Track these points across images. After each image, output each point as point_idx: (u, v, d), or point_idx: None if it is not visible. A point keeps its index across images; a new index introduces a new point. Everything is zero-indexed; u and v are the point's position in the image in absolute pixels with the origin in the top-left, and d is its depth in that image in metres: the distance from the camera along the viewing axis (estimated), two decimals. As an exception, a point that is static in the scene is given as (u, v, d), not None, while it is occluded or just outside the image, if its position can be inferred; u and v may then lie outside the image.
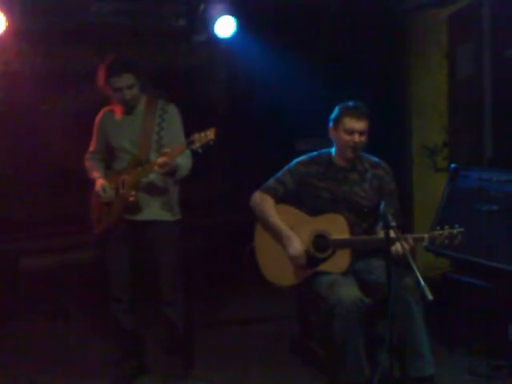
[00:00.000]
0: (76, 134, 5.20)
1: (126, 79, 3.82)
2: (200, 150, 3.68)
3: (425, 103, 5.91)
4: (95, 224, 4.03)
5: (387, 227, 3.26)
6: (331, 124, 3.82)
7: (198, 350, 4.42)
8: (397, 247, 3.39)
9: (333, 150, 3.88)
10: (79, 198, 4.14)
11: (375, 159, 3.90)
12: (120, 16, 5.33)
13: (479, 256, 4.19)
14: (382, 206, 3.30)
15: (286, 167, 3.94)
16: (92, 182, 4.01)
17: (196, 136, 3.69)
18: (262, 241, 3.90)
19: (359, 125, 3.70)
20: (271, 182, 3.93)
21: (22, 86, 5.12)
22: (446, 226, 3.49)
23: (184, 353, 4.17)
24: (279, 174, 3.93)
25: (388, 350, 3.26)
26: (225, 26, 5.30)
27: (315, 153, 3.94)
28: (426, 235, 3.51)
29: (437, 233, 3.49)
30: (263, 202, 3.88)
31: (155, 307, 4.06)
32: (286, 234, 3.76)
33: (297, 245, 3.72)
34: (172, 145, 3.85)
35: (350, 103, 3.78)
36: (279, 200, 3.88)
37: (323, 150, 3.93)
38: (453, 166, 4.64)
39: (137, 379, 4.10)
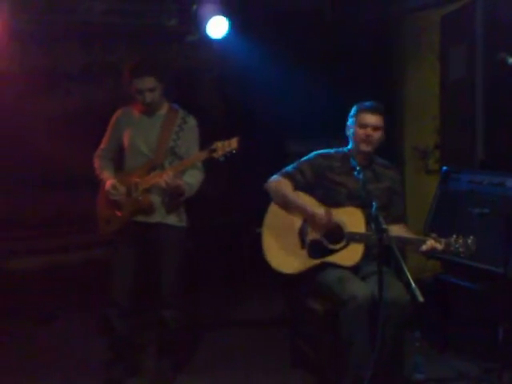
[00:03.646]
0: (64, 133, 5.19)
1: (147, 82, 3.82)
2: (222, 159, 3.69)
3: (417, 105, 5.93)
4: (103, 225, 4.00)
5: (379, 230, 3.25)
6: (349, 121, 3.89)
7: (185, 352, 4.39)
8: (429, 244, 3.51)
9: (349, 147, 3.92)
10: (67, 198, 4.11)
11: (385, 161, 3.98)
12: (111, 15, 5.30)
13: (470, 258, 4.18)
14: (373, 209, 3.29)
15: (305, 158, 3.94)
16: (98, 182, 4.01)
17: (218, 144, 3.70)
18: (273, 225, 3.87)
19: (372, 119, 3.78)
20: (290, 168, 3.92)
21: (10, 84, 5.08)
22: (461, 235, 3.54)
23: (175, 356, 4.15)
24: (298, 163, 3.93)
25: (379, 351, 3.24)
26: (217, 27, 5.29)
27: (332, 149, 3.97)
28: (443, 240, 3.55)
29: (452, 239, 3.55)
30: (282, 184, 3.87)
31: (151, 310, 4.05)
32: (310, 208, 3.75)
33: (324, 212, 3.70)
34: (185, 156, 3.90)
35: (367, 102, 3.87)
36: (296, 188, 3.87)
37: (339, 148, 3.96)
38: (444, 168, 4.64)
39: (126, 382, 4.07)
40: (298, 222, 3.83)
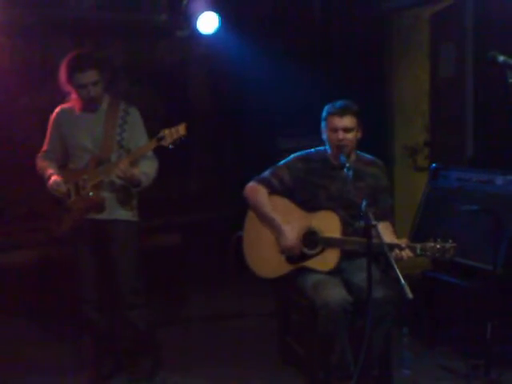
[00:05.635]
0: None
1: (90, 75, 3.70)
2: (171, 147, 3.64)
3: (407, 102, 5.96)
4: (54, 226, 3.89)
5: (368, 226, 3.26)
6: (322, 124, 3.82)
7: (172, 347, 4.38)
8: (399, 254, 3.41)
9: (328, 148, 3.87)
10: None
11: (370, 157, 3.89)
12: (101, 10, 5.28)
13: (459, 255, 4.18)
14: (363, 205, 3.29)
15: (284, 162, 3.90)
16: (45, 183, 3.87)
17: (166, 132, 3.63)
18: (251, 230, 3.88)
19: (342, 122, 3.69)
20: (267, 174, 3.89)
21: (1, 78, 5.05)
22: (439, 239, 3.46)
23: (151, 354, 4.09)
24: (276, 167, 3.90)
25: (366, 350, 3.25)
26: (207, 22, 5.28)
27: (312, 149, 3.92)
28: (418, 246, 3.47)
29: (429, 245, 3.45)
30: (257, 192, 3.86)
31: (118, 310, 3.98)
32: (280, 224, 3.75)
33: (291, 235, 3.71)
34: (133, 148, 3.81)
35: (337, 102, 3.77)
36: (273, 193, 3.86)
37: (319, 148, 3.91)
38: (433, 165, 4.66)
39: (112, 379, 4.05)
40: None
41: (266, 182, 3.87)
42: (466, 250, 4.14)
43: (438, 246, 3.44)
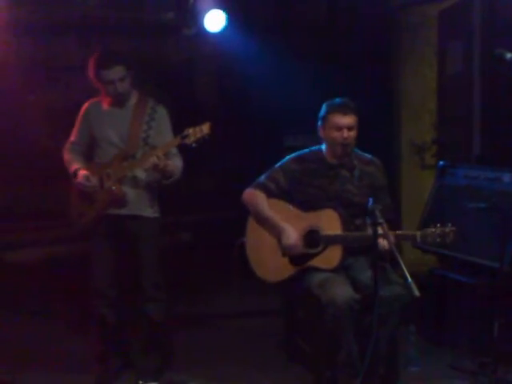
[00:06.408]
0: (61, 125, 5.18)
1: (117, 71, 3.76)
2: (194, 145, 3.67)
3: (414, 100, 5.94)
4: (76, 219, 3.95)
5: (375, 224, 3.25)
6: (320, 123, 3.80)
7: (180, 346, 4.38)
8: (383, 243, 3.39)
9: (323, 147, 3.86)
10: (64, 190, 4.10)
11: (366, 156, 3.87)
12: (106, 8, 5.29)
13: (466, 253, 4.20)
14: (370, 203, 3.29)
15: (279, 164, 3.89)
16: (70, 176, 3.92)
17: (190, 130, 3.67)
18: (253, 235, 3.87)
19: (346, 120, 3.68)
20: (263, 178, 3.88)
21: (7, 76, 5.07)
22: (438, 225, 3.46)
23: (163, 349, 4.11)
24: (271, 171, 3.89)
25: (373, 349, 3.25)
26: (214, 20, 5.28)
27: (306, 150, 3.90)
28: (418, 233, 3.49)
29: (429, 231, 3.47)
30: (255, 197, 3.84)
31: (136, 304, 3.99)
32: (280, 225, 3.73)
33: (292, 234, 3.69)
34: (159, 145, 3.83)
35: (336, 100, 3.77)
36: (271, 196, 3.85)
37: (314, 147, 3.90)
38: (441, 163, 4.65)
39: (122, 375, 4.06)
40: None
41: (262, 187, 3.85)
42: (473, 248, 4.14)
43: (438, 231, 3.45)
